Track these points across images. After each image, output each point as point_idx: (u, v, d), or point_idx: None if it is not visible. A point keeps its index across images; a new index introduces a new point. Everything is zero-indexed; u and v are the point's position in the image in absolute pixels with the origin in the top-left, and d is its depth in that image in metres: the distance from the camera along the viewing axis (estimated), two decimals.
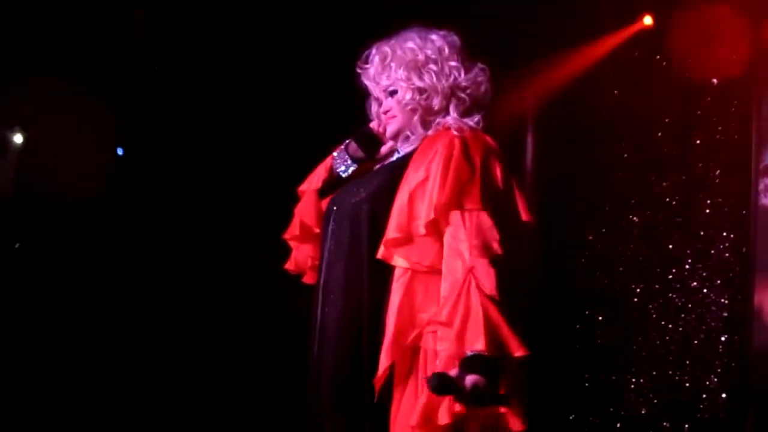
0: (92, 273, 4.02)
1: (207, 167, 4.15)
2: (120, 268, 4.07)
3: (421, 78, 2.19)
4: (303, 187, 2.39)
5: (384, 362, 2.01)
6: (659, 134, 4.24)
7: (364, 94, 2.40)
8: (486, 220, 2.00)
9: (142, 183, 4.05)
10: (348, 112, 2.54)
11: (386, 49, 2.23)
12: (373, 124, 2.31)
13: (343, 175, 2.31)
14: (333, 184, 2.32)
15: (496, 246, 1.99)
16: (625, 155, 4.33)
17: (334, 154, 2.33)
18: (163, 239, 4.11)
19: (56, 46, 3.90)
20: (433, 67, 2.19)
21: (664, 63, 4.20)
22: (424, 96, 2.19)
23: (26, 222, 4.04)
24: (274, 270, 2.55)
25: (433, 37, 2.22)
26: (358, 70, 2.28)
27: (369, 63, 2.26)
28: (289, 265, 2.42)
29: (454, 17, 2.46)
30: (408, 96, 2.19)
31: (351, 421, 2.07)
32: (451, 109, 2.20)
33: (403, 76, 2.20)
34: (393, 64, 2.21)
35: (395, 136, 2.26)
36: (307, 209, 2.34)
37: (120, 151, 4.05)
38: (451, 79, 2.18)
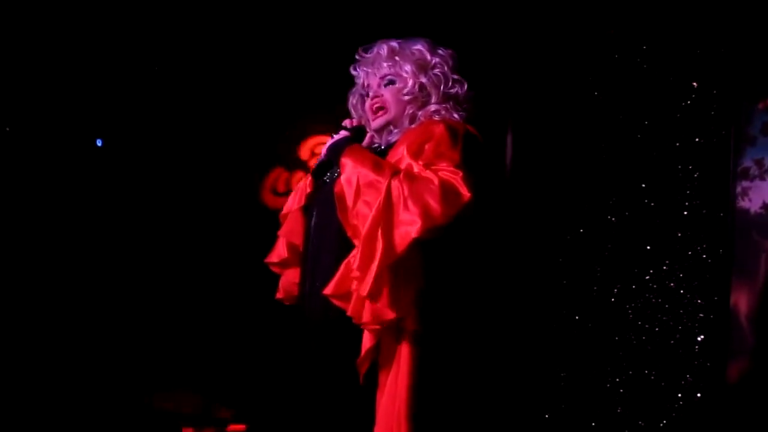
0: (71, 266, 3.97)
1: (186, 159, 4.12)
2: (99, 260, 4.03)
3: (426, 76, 2.30)
4: (284, 211, 2.41)
5: (366, 344, 2.02)
6: (638, 136, 4.27)
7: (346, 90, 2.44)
8: (459, 180, 2.03)
9: (122, 174, 4.02)
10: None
11: (394, 44, 2.34)
12: (347, 122, 2.33)
13: (328, 180, 2.31)
14: (314, 193, 2.33)
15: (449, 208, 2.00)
16: (604, 157, 4.36)
17: (314, 164, 2.38)
18: (143, 231, 4.07)
19: (33, 37, 3.86)
20: (438, 71, 2.32)
21: (645, 65, 4.23)
22: (424, 93, 2.29)
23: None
24: (257, 262, 2.55)
25: (440, 49, 2.37)
26: (357, 57, 2.33)
27: (370, 52, 2.31)
28: (280, 295, 2.46)
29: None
30: (409, 88, 2.29)
31: (337, 405, 2.06)
32: (439, 101, 2.32)
33: (409, 70, 2.31)
34: (399, 58, 2.32)
35: (382, 128, 2.29)
36: (293, 230, 2.39)
37: (99, 142, 4.01)
38: (450, 88, 2.31)
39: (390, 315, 1.97)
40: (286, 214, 2.42)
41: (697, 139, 4.14)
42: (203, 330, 4.08)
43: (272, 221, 2.58)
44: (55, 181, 3.97)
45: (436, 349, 2.03)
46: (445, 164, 2.05)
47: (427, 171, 2.05)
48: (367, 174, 2.05)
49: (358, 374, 2.04)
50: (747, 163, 3.99)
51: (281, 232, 2.42)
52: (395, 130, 2.30)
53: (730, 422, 3.90)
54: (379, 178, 2.03)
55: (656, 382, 4.11)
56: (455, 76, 2.32)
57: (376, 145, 2.32)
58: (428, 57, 2.32)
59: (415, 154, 2.09)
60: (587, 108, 4.36)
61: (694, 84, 4.11)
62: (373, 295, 1.96)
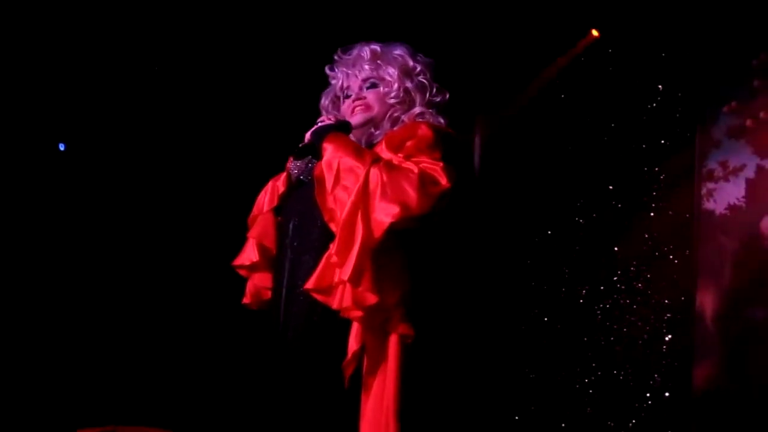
0: (32, 272, 3.88)
1: (150, 163, 4.06)
2: (60, 267, 3.95)
3: (411, 81, 2.32)
4: (254, 213, 2.37)
5: (353, 346, 2.00)
6: (605, 138, 4.30)
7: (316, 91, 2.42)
8: (438, 170, 2.03)
9: (85, 178, 3.94)
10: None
11: (376, 47, 2.33)
12: (323, 119, 2.30)
13: (306, 179, 2.28)
14: (290, 193, 2.30)
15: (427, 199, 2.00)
16: (571, 159, 4.39)
17: (289, 165, 2.33)
18: (104, 237, 3.99)
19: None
20: (422, 78, 2.33)
21: (611, 68, 4.27)
22: (408, 98, 2.31)
23: None
24: (223, 266, 2.51)
25: (419, 56, 2.38)
26: (335, 57, 2.32)
27: (350, 54, 2.29)
28: (247, 300, 2.41)
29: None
30: (395, 92, 2.29)
31: (321, 409, 2.04)
32: (422, 105, 2.32)
33: (393, 74, 2.31)
34: (381, 62, 2.32)
35: (363, 125, 2.29)
36: (265, 231, 2.34)
37: (62, 147, 3.92)
38: (434, 96, 2.33)
39: (372, 299, 1.96)
40: (256, 216, 2.37)
41: (662, 142, 4.19)
42: (164, 340, 4.01)
43: (230, 224, 2.54)
44: (16, 186, 3.87)
45: (422, 351, 2.02)
46: (425, 157, 2.06)
47: (408, 162, 2.05)
48: (348, 159, 2.05)
49: (342, 377, 2.01)
50: (712, 165, 4.05)
51: (252, 234, 2.37)
52: (376, 132, 2.29)
53: (697, 421, 3.95)
54: (359, 164, 2.03)
55: (625, 382, 4.16)
56: (437, 85, 2.34)
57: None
58: (410, 62, 2.33)
59: (396, 149, 2.10)
60: (554, 110, 4.39)
61: (660, 87, 4.16)
62: (354, 279, 1.95)
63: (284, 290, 2.18)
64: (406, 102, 2.29)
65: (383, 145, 2.14)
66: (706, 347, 3.97)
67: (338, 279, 2.00)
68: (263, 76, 4.01)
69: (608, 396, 4.19)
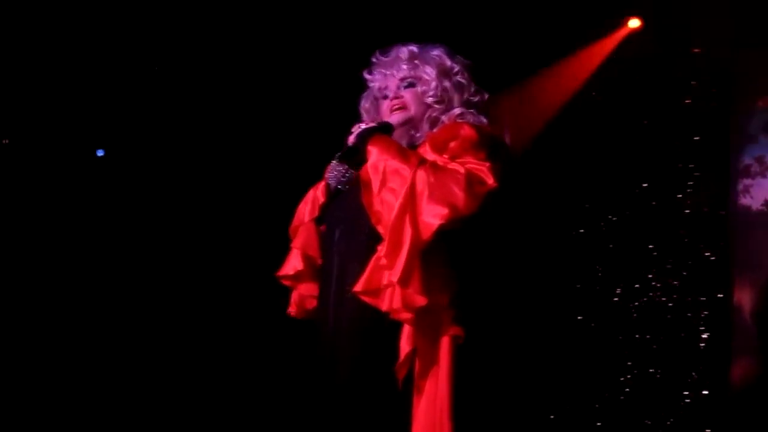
0: (71, 276, 3.94)
1: (189, 169, 4.10)
2: (99, 272, 4.00)
3: (449, 80, 2.30)
4: (296, 223, 2.39)
5: (405, 348, 2.01)
6: (638, 135, 4.29)
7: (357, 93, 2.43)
8: (485, 170, 2.02)
9: (123, 185, 3.99)
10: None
11: (413, 48, 2.33)
12: (359, 124, 2.31)
13: (344, 188, 2.29)
14: (330, 202, 2.31)
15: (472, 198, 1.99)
16: (605, 156, 4.37)
17: (327, 174, 2.33)
18: (144, 242, 4.04)
19: (32, 48, 3.82)
20: (460, 78, 2.32)
21: (644, 65, 4.25)
22: (446, 98, 2.29)
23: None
24: (261, 272, 2.53)
25: (458, 56, 2.37)
26: (373, 60, 2.33)
27: (388, 56, 2.30)
28: (292, 309, 2.42)
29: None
30: (432, 90, 2.28)
31: (374, 412, 2.05)
32: (461, 106, 2.30)
33: (431, 74, 2.31)
34: (419, 62, 2.31)
35: (402, 125, 2.30)
36: (309, 241, 2.35)
37: (100, 153, 3.98)
38: (473, 95, 2.31)
39: (421, 301, 1.96)
40: (298, 226, 2.38)
41: (696, 138, 4.16)
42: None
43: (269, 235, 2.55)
44: (55, 192, 3.93)
45: (473, 352, 2.03)
46: (471, 157, 2.05)
47: (453, 163, 2.05)
48: (394, 162, 2.05)
49: (395, 380, 2.01)
50: (748, 160, 4.02)
51: (295, 245, 2.38)
52: (417, 134, 2.28)
53: (735, 419, 3.92)
54: (405, 166, 2.03)
55: (662, 381, 4.13)
56: (475, 85, 2.33)
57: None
58: (448, 62, 2.32)
59: (440, 150, 2.09)
60: (587, 108, 4.37)
61: (693, 83, 4.13)
62: (404, 281, 1.95)
63: (332, 296, 2.18)
64: (444, 102, 2.28)
65: (427, 147, 2.14)
66: (744, 344, 3.94)
67: (387, 281, 2.00)
68: (303, 84, 4.02)
69: (645, 394, 4.17)
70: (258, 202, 3.98)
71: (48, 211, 3.95)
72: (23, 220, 3.93)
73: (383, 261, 2.00)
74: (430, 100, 2.28)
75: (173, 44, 4.02)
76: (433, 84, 2.28)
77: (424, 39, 2.43)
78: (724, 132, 4.09)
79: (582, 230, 4.44)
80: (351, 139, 2.21)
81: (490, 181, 2.01)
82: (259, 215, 3.84)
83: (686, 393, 4.06)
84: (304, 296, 2.38)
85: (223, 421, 3.96)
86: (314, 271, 2.35)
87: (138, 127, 4.05)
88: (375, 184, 2.05)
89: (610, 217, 4.37)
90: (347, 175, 2.26)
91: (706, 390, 4.01)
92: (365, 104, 2.44)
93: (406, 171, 2.02)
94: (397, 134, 2.29)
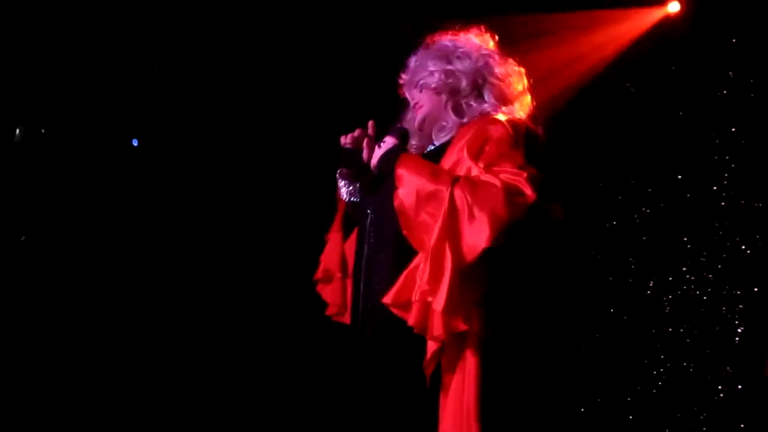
0: (106, 267, 3.98)
1: (222, 159, 4.12)
2: (133, 262, 4.04)
3: (450, 62, 2.24)
4: (330, 232, 2.40)
5: (432, 345, 2.00)
6: (674, 127, 4.23)
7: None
8: (522, 181, 1.96)
9: (158, 174, 4.02)
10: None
11: (420, 51, 2.28)
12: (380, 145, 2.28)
13: (356, 200, 2.28)
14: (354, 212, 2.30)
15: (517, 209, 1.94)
16: (638, 147, 4.32)
17: (340, 186, 2.33)
18: (178, 232, 4.08)
19: (68, 38, 3.86)
20: (461, 51, 2.24)
21: (679, 56, 4.19)
22: (451, 79, 2.23)
23: (35, 215, 3.99)
24: (292, 265, 2.54)
25: (466, 32, 2.32)
26: (400, 82, 2.32)
27: (406, 72, 2.30)
28: (330, 311, 2.47)
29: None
30: (435, 78, 2.24)
31: (401, 409, 2.05)
32: (486, 94, 2.23)
33: (431, 65, 2.26)
34: (421, 61, 2.28)
35: (423, 124, 2.27)
36: (331, 253, 2.40)
37: (135, 142, 4.02)
38: (481, 63, 2.22)
39: (463, 327, 1.92)
40: (329, 237, 2.42)
41: (733, 129, 4.09)
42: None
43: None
44: (91, 181, 3.98)
45: (501, 349, 2.00)
46: (507, 165, 1.99)
47: (488, 174, 1.98)
48: (426, 184, 1.98)
49: (423, 377, 2.00)
50: None
51: (322, 257, 2.44)
52: (446, 125, 2.25)
53: None
54: (440, 187, 1.95)
55: (696, 375, 4.08)
56: (483, 51, 2.23)
57: (430, 148, 2.28)
58: (449, 45, 2.26)
59: (476, 156, 2.03)
60: (622, 100, 4.32)
61: (730, 74, 4.06)
62: (449, 311, 1.89)
63: (362, 287, 2.19)
64: (451, 85, 2.21)
65: (463, 150, 2.05)
66: None
67: (422, 305, 1.95)
68: (317, 85, 4.02)
69: (678, 389, 4.13)
70: (282, 208, 4.00)
71: (83, 200, 4.00)
72: (59, 209, 3.99)
73: (425, 287, 1.92)
74: (435, 86, 2.22)
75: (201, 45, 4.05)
76: (436, 73, 2.23)
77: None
78: (763, 123, 4.02)
79: (615, 222, 4.40)
80: (374, 162, 2.16)
81: (529, 192, 1.94)
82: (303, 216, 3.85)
83: (720, 387, 4.01)
84: (335, 295, 2.42)
85: (250, 417, 3.99)
86: (345, 275, 2.37)
87: (173, 119, 4.08)
88: (411, 211, 1.97)
89: (643, 209, 4.32)
90: (351, 186, 2.25)
91: (740, 385, 3.96)
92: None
93: (442, 192, 1.95)
94: (421, 136, 2.27)
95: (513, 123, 2.11)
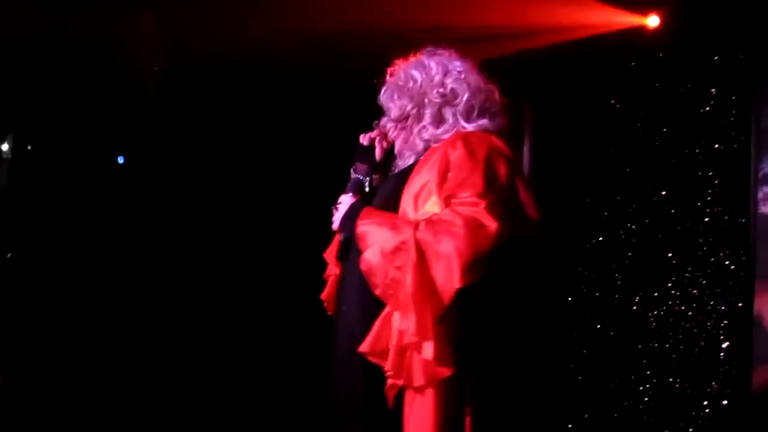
0: (92, 281, 3.99)
1: (207, 175, 4.14)
2: (119, 276, 4.05)
3: (404, 95, 2.23)
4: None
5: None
6: (657, 143, 4.26)
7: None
8: (482, 211, 1.94)
9: (142, 190, 4.04)
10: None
11: (384, 87, 2.30)
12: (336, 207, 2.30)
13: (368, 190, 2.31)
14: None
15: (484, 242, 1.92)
16: (623, 164, 4.34)
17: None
18: (165, 247, 4.09)
19: (53, 58, 3.89)
20: (416, 78, 2.21)
21: (662, 72, 4.23)
22: (414, 110, 2.21)
23: (22, 232, 4.00)
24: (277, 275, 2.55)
25: (422, 57, 2.27)
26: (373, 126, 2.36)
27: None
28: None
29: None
30: (396, 113, 2.24)
31: (365, 427, 2.05)
32: (450, 117, 2.20)
33: (394, 98, 2.26)
34: (387, 94, 2.28)
35: (400, 154, 2.28)
36: (332, 250, 2.38)
37: (120, 159, 4.03)
38: (441, 88, 2.19)
39: (447, 372, 1.92)
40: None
41: (716, 146, 4.12)
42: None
43: None
44: (77, 198, 3.99)
45: (464, 368, 1.99)
46: (466, 194, 1.96)
47: (448, 209, 1.95)
48: (389, 238, 1.96)
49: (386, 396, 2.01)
50: None
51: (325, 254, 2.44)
52: (415, 150, 2.25)
53: (755, 429, 3.86)
54: (404, 238, 1.94)
55: (681, 390, 4.09)
56: (438, 77, 2.19)
57: (399, 168, 2.29)
58: (403, 75, 2.24)
59: (439, 185, 2.01)
60: (605, 116, 4.35)
61: (713, 90, 4.10)
62: (438, 358, 1.89)
63: (339, 295, 2.23)
64: (414, 116, 2.21)
65: (428, 180, 2.03)
66: (764, 354, 3.88)
67: (399, 347, 1.95)
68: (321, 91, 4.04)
69: (664, 404, 4.13)
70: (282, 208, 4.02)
71: (70, 214, 4.01)
72: (46, 223, 4.00)
73: (413, 339, 1.91)
74: (400, 124, 2.23)
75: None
76: (395, 108, 2.23)
77: None
78: (745, 139, 4.04)
79: (601, 238, 4.41)
80: (334, 226, 2.18)
81: (489, 222, 1.91)
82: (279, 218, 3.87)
83: (706, 403, 4.01)
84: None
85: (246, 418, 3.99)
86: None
87: (157, 134, 4.11)
88: (380, 271, 1.96)
89: (629, 225, 4.34)
90: (365, 180, 2.28)
91: (725, 400, 3.96)
92: None
93: (406, 244, 1.94)
94: (401, 159, 2.28)
95: (477, 141, 2.08)
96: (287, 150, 4.14)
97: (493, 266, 1.94)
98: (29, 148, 4.00)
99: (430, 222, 1.96)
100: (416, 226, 1.97)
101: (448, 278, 1.89)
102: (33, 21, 3.76)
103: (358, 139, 2.33)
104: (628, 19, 4.12)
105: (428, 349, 1.90)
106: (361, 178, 2.29)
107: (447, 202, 1.98)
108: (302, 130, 4.12)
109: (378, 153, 2.31)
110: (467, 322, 2.01)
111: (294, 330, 4.00)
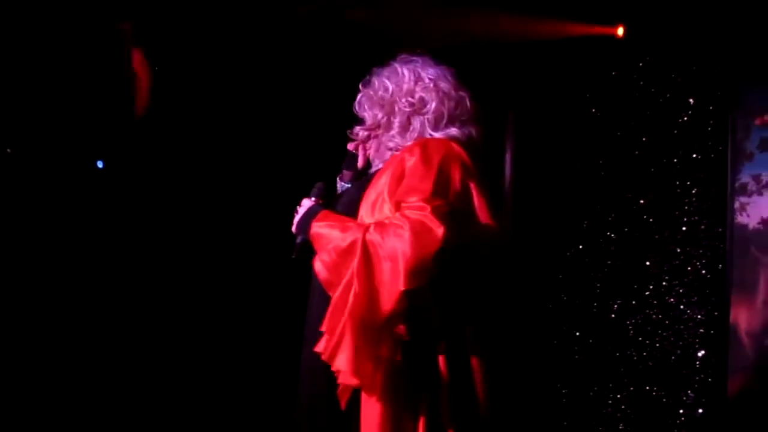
0: (73, 285, 3.97)
1: (190, 180, 4.13)
2: (101, 280, 4.03)
3: (375, 104, 2.24)
4: None
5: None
6: (636, 152, 4.29)
7: None
8: (429, 215, 1.94)
9: (123, 197, 4.02)
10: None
11: (358, 96, 2.30)
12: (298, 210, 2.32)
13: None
14: None
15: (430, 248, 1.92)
16: (602, 173, 4.38)
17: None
18: (146, 254, 4.07)
19: (33, 59, 3.87)
20: (387, 87, 2.22)
21: (641, 82, 4.27)
22: (384, 119, 2.23)
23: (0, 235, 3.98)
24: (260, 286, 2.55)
25: (396, 64, 2.27)
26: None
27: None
28: None
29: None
30: (369, 122, 2.27)
31: (322, 427, 2.07)
32: (417, 125, 2.20)
33: (366, 107, 2.28)
34: (361, 103, 2.29)
35: (372, 162, 2.31)
36: None
37: (100, 164, 4.02)
38: (410, 97, 2.19)
39: (356, 382, 1.98)
40: None
41: (694, 156, 4.16)
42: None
43: None
44: (56, 203, 3.97)
45: (416, 373, 2.01)
46: (415, 198, 1.96)
47: (397, 214, 1.97)
48: (340, 240, 2.00)
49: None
50: (745, 178, 4.02)
51: None
52: (377, 161, 2.27)
53: None
54: (354, 238, 1.97)
55: (657, 398, 4.12)
56: (418, 87, 2.19)
57: (368, 173, 2.32)
58: (376, 83, 2.25)
59: (392, 192, 2.03)
60: (585, 125, 4.39)
61: (691, 100, 4.14)
62: (357, 363, 1.92)
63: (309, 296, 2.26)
64: (383, 125, 2.23)
65: (385, 186, 2.07)
66: (740, 363, 3.92)
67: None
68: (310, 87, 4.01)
69: (641, 412, 4.16)
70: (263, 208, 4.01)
71: (50, 219, 3.98)
72: (25, 228, 3.97)
73: (327, 353, 1.98)
74: (371, 133, 2.26)
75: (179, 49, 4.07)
76: (368, 117, 2.26)
77: None
78: (722, 150, 4.09)
79: (580, 246, 4.44)
80: (293, 229, 2.21)
81: (435, 226, 1.91)
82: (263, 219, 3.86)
83: (682, 411, 4.05)
84: None
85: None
86: None
87: (138, 139, 4.10)
88: (333, 272, 2.01)
89: (607, 233, 4.37)
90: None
91: (701, 408, 4.00)
92: None
93: (354, 245, 1.97)
94: (374, 166, 2.30)
95: (434, 147, 2.08)
96: (274, 152, 4.14)
97: (440, 270, 1.95)
98: (8, 151, 3.97)
99: (379, 225, 1.98)
100: (366, 228, 1.99)
101: (393, 280, 1.91)
102: (9, 23, 3.75)
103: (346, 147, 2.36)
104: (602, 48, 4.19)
105: (342, 361, 1.94)
106: (344, 184, 2.31)
107: (397, 206, 2.00)
108: (297, 130, 4.12)
109: (360, 160, 2.33)
110: (418, 326, 2.03)
111: (293, 331, 4.00)
